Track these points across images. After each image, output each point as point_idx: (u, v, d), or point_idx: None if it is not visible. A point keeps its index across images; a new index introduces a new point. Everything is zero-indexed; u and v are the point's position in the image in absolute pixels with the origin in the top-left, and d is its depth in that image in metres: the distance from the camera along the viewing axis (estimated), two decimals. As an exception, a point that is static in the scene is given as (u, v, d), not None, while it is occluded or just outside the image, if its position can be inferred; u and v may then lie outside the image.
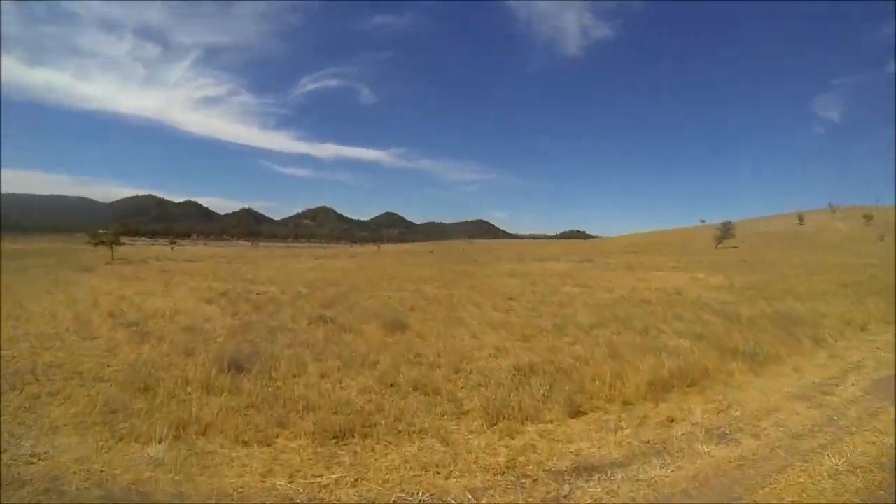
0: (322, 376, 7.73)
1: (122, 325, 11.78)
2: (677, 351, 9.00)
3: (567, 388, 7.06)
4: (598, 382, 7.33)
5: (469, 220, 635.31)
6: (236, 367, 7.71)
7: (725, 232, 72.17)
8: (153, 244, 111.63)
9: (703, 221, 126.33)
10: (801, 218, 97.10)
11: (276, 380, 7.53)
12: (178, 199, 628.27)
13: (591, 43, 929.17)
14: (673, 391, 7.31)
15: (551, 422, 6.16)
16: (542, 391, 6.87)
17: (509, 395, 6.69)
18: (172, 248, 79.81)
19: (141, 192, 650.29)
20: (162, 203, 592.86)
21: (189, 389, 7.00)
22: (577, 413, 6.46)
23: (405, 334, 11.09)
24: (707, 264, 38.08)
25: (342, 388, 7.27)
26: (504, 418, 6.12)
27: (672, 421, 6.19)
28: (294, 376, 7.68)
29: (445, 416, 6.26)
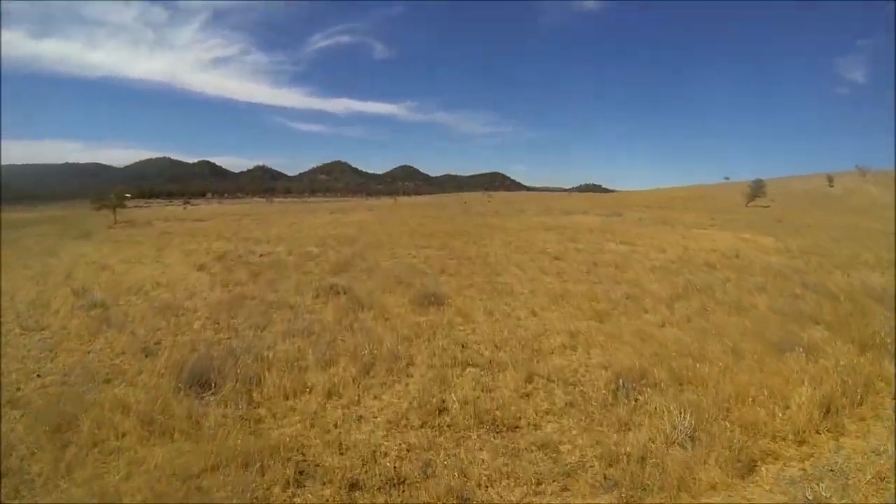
0: (329, 395, 5.14)
1: (85, 306, 9.26)
2: (814, 345, 6.25)
3: (708, 414, 4.42)
4: (746, 403, 4.68)
5: (484, 172, 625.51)
6: (200, 382, 5.14)
7: (757, 190, 67.54)
8: (167, 205, 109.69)
9: (727, 178, 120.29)
10: (830, 179, 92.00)
11: (257, 404, 4.98)
12: (192, 160, 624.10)
13: None
14: (843, 414, 4.66)
15: (715, 488, 3.54)
16: (680, 425, 4.22)
17: (630, 436, 4.06)
18: (185, 208, 77.46)
19: (155, 155, 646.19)
20: (176, 164, 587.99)
21: (125, 426, 4.48)
22: (749, 468, 3.83)
23: (441, 311, 8.49)
24: (745, 223, 34.50)
25: (360, 419, 4.68)
26: (639, 487, 3.50)
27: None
28: (286, 397, 5.11)
29: (542, 482, 3.64)
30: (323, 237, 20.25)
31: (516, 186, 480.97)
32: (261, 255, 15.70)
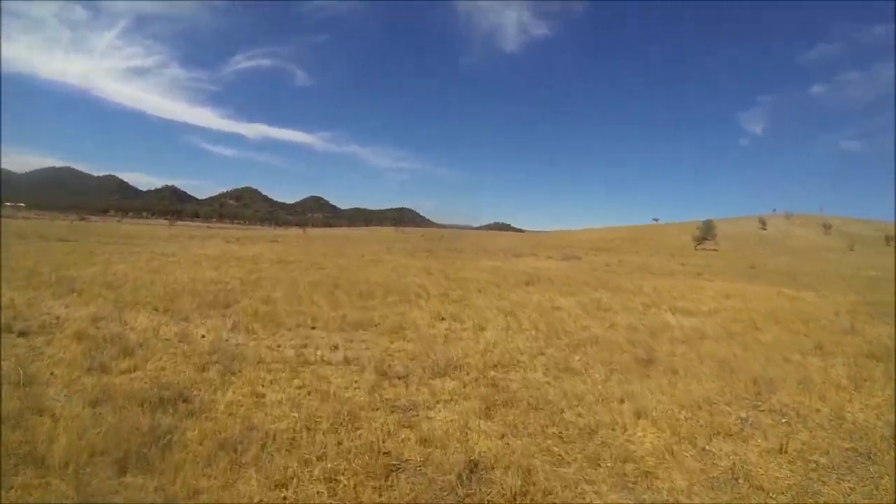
0: None
1: None
2: None
3: None
4: None
5: (394, 207, 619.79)
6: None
7: (707, 232, 64.31)
8: (53, 219, 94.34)
9: (656, 220, 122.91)
10: (763, 222, 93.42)
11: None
12: (98, 173, 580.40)
13: (529, 40, 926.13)
14: None
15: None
16: None
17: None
18: (71, 223, 65.51)
19: (58, 164, 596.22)
20: (81, 176, 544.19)
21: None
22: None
23: None
24: (723, 270, 29.54)
25: None
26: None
27: None
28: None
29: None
30: (185, 285, 12.23)
31: (425, 222, 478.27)
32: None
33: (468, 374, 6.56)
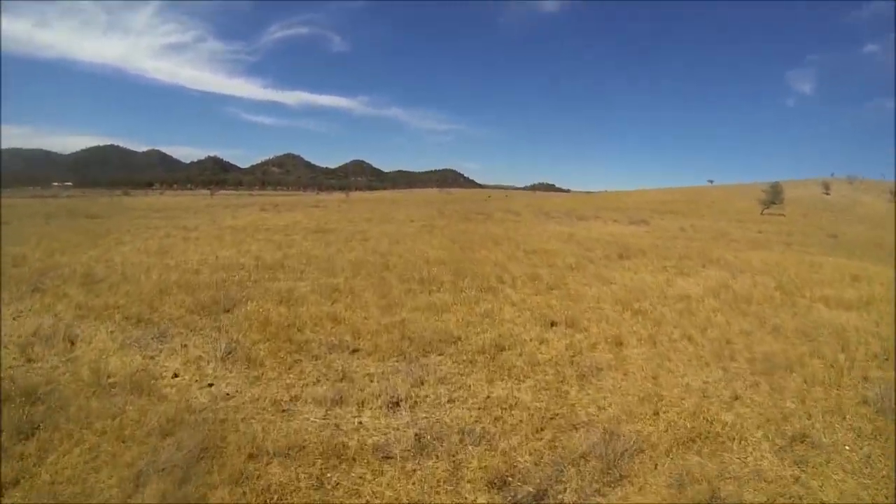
0: None
1: None
2: None
3: None
4: None
5: (437, 169, 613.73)
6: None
7: (774, 196, 58.03)
8: (100, 196, 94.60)
9: (711, 182, 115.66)
10: (827, 187, 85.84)
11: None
12: (141, 149, 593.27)
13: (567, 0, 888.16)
14: None
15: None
16: None
17: None
18: (111, 199, 64.73)
19: (103, 142, 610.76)
20: (125, 153, 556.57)
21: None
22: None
23: None
24: (814, 241, 24.93)
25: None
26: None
27: None
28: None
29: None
30: (184, 274, 9.23)
31: (469, 184, 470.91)
32: None
33: (658, 467, 3.20)
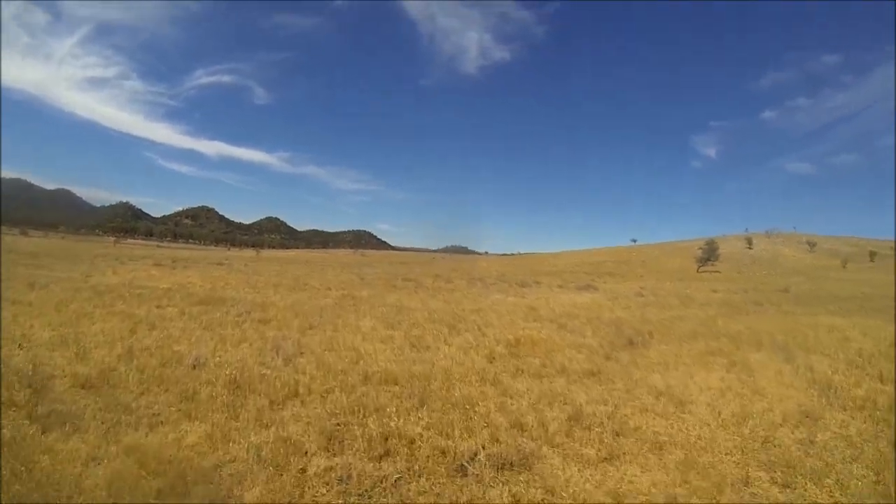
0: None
1: None
2: None
3: None
4: None
5: (351, 229, 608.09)
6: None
7: (710, 253, 58.34)
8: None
9: (634, 241, 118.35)
10: (749, 242, 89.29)
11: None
12: (50, 186, 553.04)
13: (488, 63, 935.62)
14: None
15: None
16: None
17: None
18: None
19: (8, 175, 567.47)
20: (32, 189, 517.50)
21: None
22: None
23: None
24: (774, 298, 23.13)
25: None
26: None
27: None
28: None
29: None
30: None
31: (383, 245, 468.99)
32: None
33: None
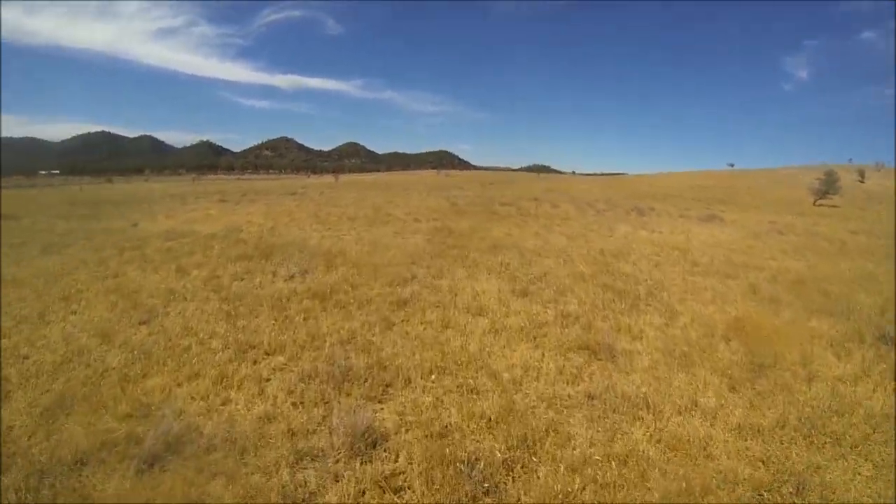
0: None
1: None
2: None
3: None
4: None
5: (432, 150, 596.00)
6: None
7: (829, 185, 49.47)
8: (71, 184, 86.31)
9: (731, 165, 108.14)
10: (861, 174, 77.66)
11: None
12: (133, 135, 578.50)
13: None
14: None
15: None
16: None
17: None
18: (80, 189, 57.20)
19: (93, 129, 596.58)
20: (116, 139, 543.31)
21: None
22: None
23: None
24: None
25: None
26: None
27: None
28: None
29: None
30: None
31: (464, 165, 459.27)
32: None
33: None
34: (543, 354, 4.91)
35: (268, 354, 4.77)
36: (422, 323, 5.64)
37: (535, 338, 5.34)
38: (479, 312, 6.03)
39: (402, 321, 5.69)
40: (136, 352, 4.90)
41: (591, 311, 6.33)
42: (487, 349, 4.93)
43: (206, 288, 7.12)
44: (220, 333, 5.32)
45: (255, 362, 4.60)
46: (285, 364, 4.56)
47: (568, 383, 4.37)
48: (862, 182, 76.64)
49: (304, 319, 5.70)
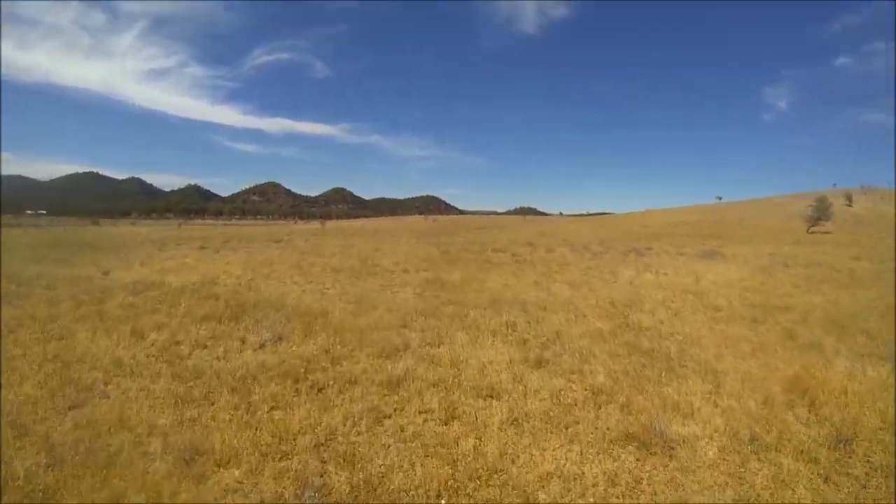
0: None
1: None
2: None
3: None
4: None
5: (419, 195, 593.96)
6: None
7: (822, 211, 49.81)
8: (68, 224, 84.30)
9: (719, 199, 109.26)
10: (849, 198, 78.71)
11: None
12: (121, 176, 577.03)
13: (547, 22, 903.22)
14: None
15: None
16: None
17: None
18: (66, 230, 55.90)
19: (82, 169, 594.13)
20: (104, 180, 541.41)
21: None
22: None
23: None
24: None
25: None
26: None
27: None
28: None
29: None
30: None
31: (451, 210, 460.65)
32: None
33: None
34: (582, 453, 3.80)
35: (219, 466, 3.57)
36: (421, 412, 4.47)
37: (566, 427, 4.23)
38: (490, 393, 4.90)
39: (396, 411, 4.50)
40: (52, 454, 3.74)
41: (624, 381, 5.28)
42: (510, 451, 3.80)
43: (160, 359, 5.96)
44: (162, 429, 4.15)
45: (199, 480, 3.41)
46: (240, 483, 3.38)
47: (624, 497, 3.27)
48: (850, 206, 77.03)
49: (271, 409, 4.51)
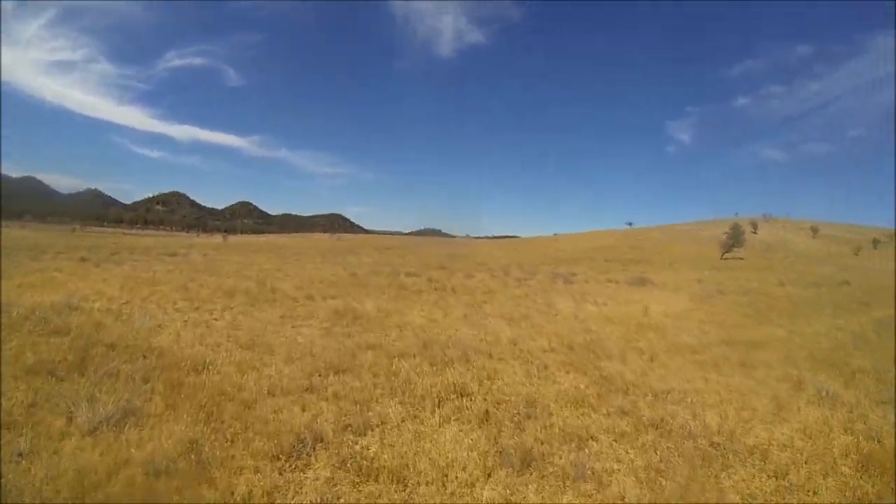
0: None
1: None
2: None
3: None
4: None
5: (325, 213, 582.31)
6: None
7: (736, 238, 52.63)
8: None
9: (630, 224, 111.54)
10: (755, 226, 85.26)
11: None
12: (16, 174, 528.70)
13: (464, 46, 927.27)
14: None
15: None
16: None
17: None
18: None
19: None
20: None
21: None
22: None
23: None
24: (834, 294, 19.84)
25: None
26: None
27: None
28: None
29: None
30: None
31: (356, 229, 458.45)
32: None
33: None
34: None
35: None
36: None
37: None
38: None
39: None
40: None
41: (646, 480, 3.63)
42: None
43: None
44: None
45: None
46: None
47: None
48: (755, 233, 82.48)
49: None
